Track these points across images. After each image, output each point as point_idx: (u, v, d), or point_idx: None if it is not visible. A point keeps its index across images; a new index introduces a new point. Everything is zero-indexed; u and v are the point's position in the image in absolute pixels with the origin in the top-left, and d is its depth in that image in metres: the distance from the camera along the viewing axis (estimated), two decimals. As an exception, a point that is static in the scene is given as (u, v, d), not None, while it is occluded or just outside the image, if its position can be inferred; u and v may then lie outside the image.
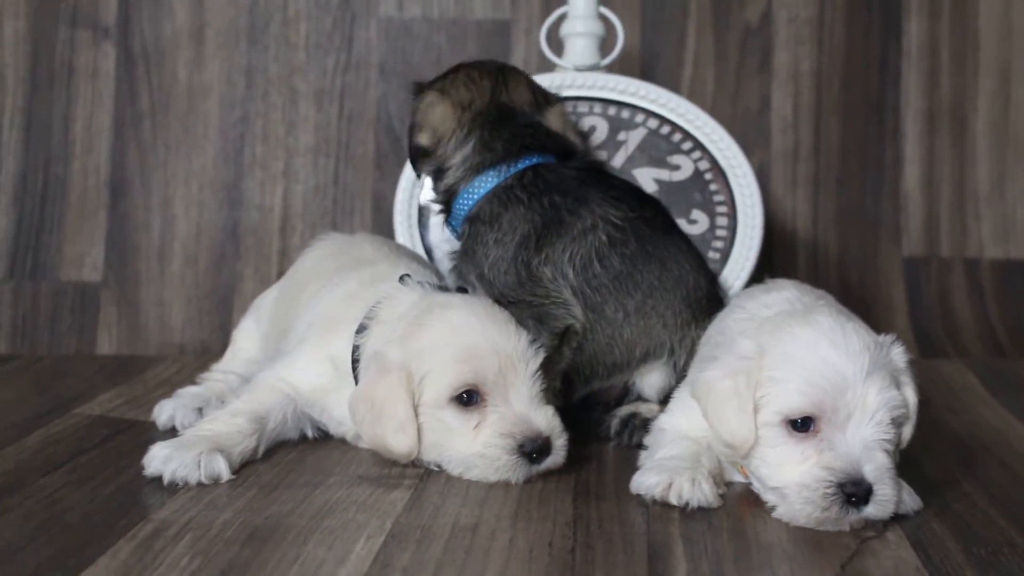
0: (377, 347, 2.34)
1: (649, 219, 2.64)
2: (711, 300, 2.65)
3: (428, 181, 2.82)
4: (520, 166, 2.63)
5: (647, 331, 2.58)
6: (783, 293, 2.30)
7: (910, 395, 2.11)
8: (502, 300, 2.53)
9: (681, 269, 2.61)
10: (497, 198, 2.61)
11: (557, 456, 2.29)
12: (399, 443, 2.28)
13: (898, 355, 2.13)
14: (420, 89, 2.75)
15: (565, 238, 2.56)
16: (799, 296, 2.27)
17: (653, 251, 2.60)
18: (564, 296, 2.54)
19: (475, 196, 2.63)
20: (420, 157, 2.73)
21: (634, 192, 2.72)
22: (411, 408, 2.27)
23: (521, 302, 2.54)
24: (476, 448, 2.26)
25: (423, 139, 2.70)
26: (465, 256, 2.64)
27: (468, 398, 2.27)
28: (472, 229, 2.62)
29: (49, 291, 3.59)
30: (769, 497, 2.09)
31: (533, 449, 2.25)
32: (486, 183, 2.63)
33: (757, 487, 2.13)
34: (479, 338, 2.28)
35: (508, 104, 2.70)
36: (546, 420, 2.29)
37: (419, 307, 2.36)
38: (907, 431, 2.12)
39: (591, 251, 2.56)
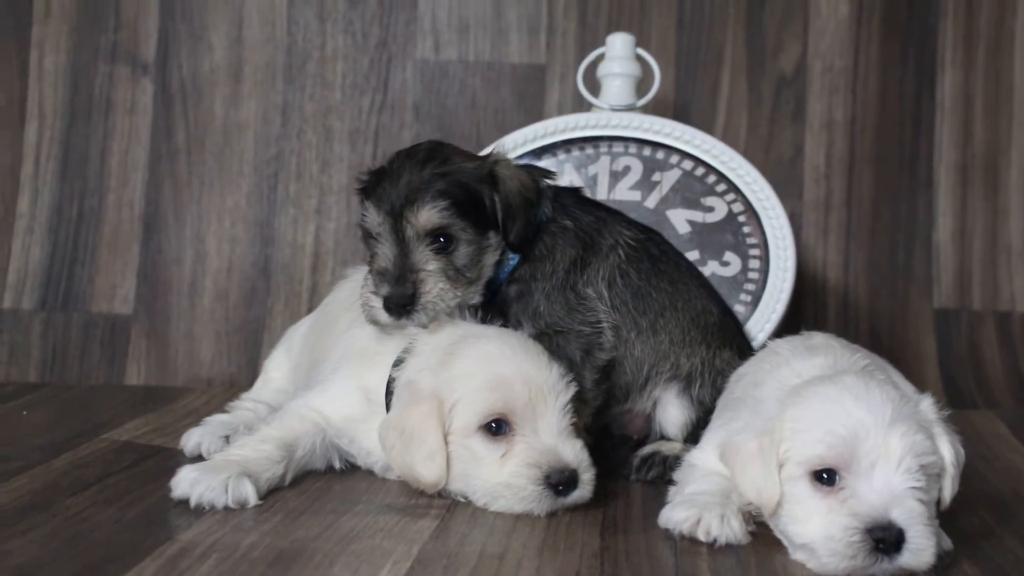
0: (411, 376, 2.34)
1: (658, 243, 2.71)
2: (723, 328, 2.67)
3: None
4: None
5: (655, 348, 2.59)
6: (818, 360, 2.25)
7: (944, 447, 2.06)
8: (549, 331, 2.53)
9: (690, 292, 2.65)
10: (546, 232, 2.59)
11: (584, 490, 2.27)
12: (428, 471, 2.27)
13: (927, 407, 2.10)
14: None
15: (598, 256, 2.59)
16: (834, 363, 2.24)
17: (664, 270, 2.64)
18: (607, 317, 2.55)
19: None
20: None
21: (631, 219, 2.74)
22: (441, 436, 2.26)
23: (570, 331, 2.54)
24: (502, 477, 2.24)
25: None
26: (519, 298, 2.57)
27: (497, 427, 2.26)
28: (530, 269, 2.57)
29: (80, 322, 3.60)
30: (798, 556, 2.05)
31: (559, 481, 2.23)
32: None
33: (786, 545, 2.09)
34: (510, 368, 2.28)
35: None
36: (574, 453, 2.27)
37: (453, 337, 2.37)
38: (947, 486, 2.07)
39: (614, 269, 2.59)
